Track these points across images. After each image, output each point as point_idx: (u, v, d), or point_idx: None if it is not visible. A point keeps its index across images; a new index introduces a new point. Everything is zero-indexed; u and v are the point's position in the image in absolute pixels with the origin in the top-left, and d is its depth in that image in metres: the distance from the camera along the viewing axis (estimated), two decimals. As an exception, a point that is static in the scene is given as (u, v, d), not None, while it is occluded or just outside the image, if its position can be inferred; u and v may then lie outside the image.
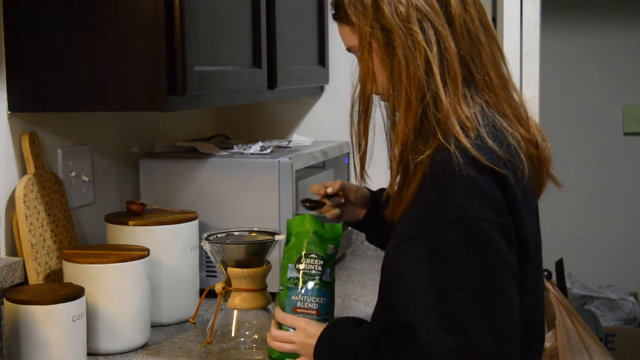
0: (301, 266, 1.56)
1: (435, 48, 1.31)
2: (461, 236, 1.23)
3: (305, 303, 1.54)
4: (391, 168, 1.36)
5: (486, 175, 1.25)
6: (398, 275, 1.28)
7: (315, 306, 1.54)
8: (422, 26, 1.31)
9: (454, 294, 1.22)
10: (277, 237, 1.70)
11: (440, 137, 1.28)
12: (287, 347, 1.51)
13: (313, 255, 1.57)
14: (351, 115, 1.41)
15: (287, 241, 1.61)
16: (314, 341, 1.45)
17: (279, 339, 1.52)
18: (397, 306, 1.28)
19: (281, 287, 1.58)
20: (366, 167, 1.44)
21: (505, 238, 1.25)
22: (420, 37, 1.31)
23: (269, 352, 1.58)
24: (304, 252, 1.57)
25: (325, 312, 1.55)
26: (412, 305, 1.24)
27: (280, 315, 1.54)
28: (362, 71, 1.37)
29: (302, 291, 1.55)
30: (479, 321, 1.21)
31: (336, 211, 1.75)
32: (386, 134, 1.43)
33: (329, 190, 1.73)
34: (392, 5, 1.32)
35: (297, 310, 1.54)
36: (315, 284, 1.55)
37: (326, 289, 1.56)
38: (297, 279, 1.56)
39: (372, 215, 1.76)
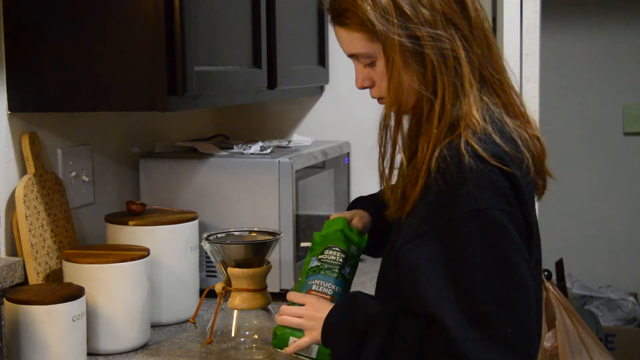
0: (323, 256, 1.55)
1: (462, 52, 1.32)
2: (476, 227, 1.25)
3: (321, 287, 1.51)
4: (414, 170, 1.34)
5: (493, 168, 1.27)
6: (414, 271, 1.28)
7: (330, 292, 1.51)
8: (448, 31, 1.32)
9: (473, 285, 1.24)
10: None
11: (456, 134, 1.30)
12: (295, 320, 1.46)
13: (335, 248, 1.56)
14: (381, 128, 1.39)
15: (312, 249, 1.60)
16: (322, 315, 1.41)
17: (286, 313, 1.48)
18: (414, 301, 1.29)
19: (300, 278, 1.56)
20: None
21: (516, 227, 1.28)
22: (449, 42, 1.31)
23: (274, 330, 1.51)
24: (328, 245, 1.56)
25: (338, 300, 1.51)
26: (431, 299, 1.25)
27: (292, 294, 1.50)
28: (392, 81, 1.34)
29: (320, 276, 1.52)
30: (499, 310, 1.23)
31: None
32: (410, 138, 1.44)
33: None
34: (416, 10, 1.31)
35: (312, 292, 1.51)
36: (334, 272, 1.53)
37: (343, 281, 1.54)
38: (317, 267, 1.54)
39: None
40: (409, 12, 1.30)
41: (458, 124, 1.31)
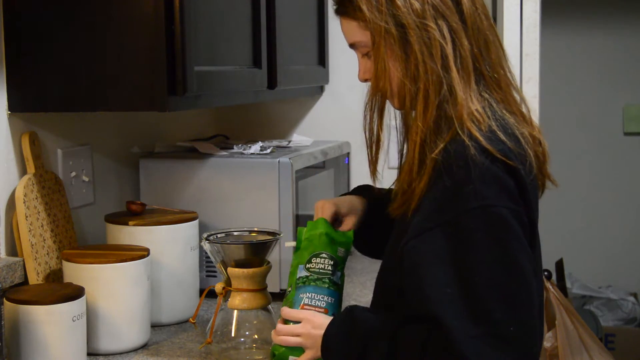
0: (311, 265, 1.52)
1: (450, 44, 1.33)
2: (481, 224, 1.25)
3: (314, 301, 1.49)
4: (406, 164, 1.35)
5: (499, 165, 1.28)
6: (418, 267, 1.28)
7: (324, 304, 1.49)
8: (437, 22, 1.33)
9: (477, 282, 1.24)
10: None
11: (454, 130, 1.30)
12: (293, 340, 1.45)
13: (324, 255, 1.53)
14: (365, 112, 1.42)
15: (298, 248, 1.56)
16: (320, 332, 1.40)
17: (283, 333, 1.46)
18: (417, 298, 1.28)
19: (289, 289, 1.53)
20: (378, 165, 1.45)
21: (521, 225, 1.28)
22: (437, 33, 1.32)
23: (272, 350, 1.50)
24: (315, 252, 1.52)
25: (332, 311, 1.49)
26: (435, 296, 1.25)
27: (285, 311, 1.49)
28: (377, 67, 1.37)
29: (311, 288, 1.49)
30: (503, 307, 1.23)
31: None
32: (397, 132, 1.45)
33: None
34: (406, 0, 1.33)
35: (305, 307, 1.48)
36: (324, 282, 1.50)
37: (335, 289, 1.51)
38: (307, 277, 1.51)
39: (366, 223, 1.69)
40: (398, 2, 1.33)
41: (454, 119, 1.31)
